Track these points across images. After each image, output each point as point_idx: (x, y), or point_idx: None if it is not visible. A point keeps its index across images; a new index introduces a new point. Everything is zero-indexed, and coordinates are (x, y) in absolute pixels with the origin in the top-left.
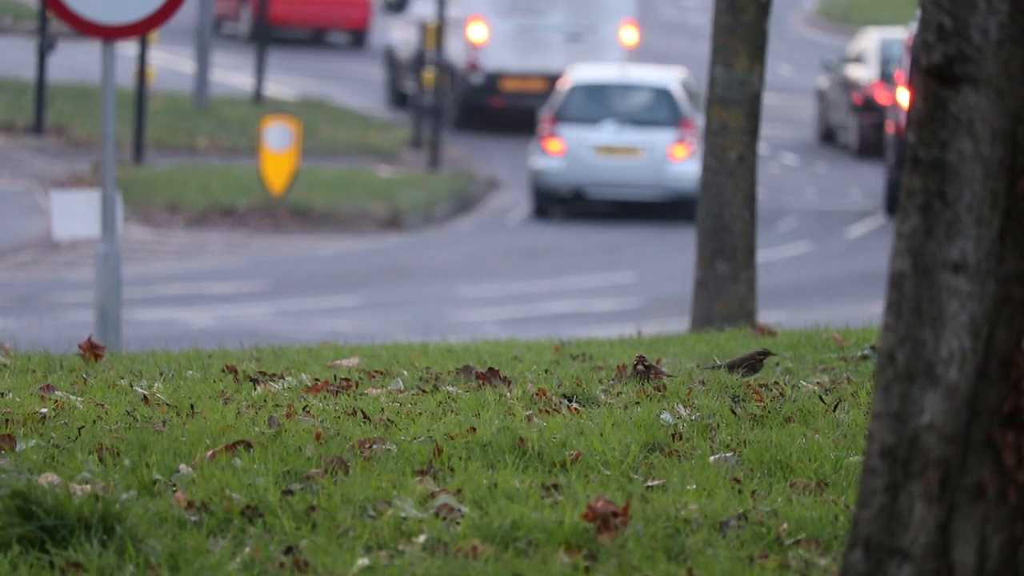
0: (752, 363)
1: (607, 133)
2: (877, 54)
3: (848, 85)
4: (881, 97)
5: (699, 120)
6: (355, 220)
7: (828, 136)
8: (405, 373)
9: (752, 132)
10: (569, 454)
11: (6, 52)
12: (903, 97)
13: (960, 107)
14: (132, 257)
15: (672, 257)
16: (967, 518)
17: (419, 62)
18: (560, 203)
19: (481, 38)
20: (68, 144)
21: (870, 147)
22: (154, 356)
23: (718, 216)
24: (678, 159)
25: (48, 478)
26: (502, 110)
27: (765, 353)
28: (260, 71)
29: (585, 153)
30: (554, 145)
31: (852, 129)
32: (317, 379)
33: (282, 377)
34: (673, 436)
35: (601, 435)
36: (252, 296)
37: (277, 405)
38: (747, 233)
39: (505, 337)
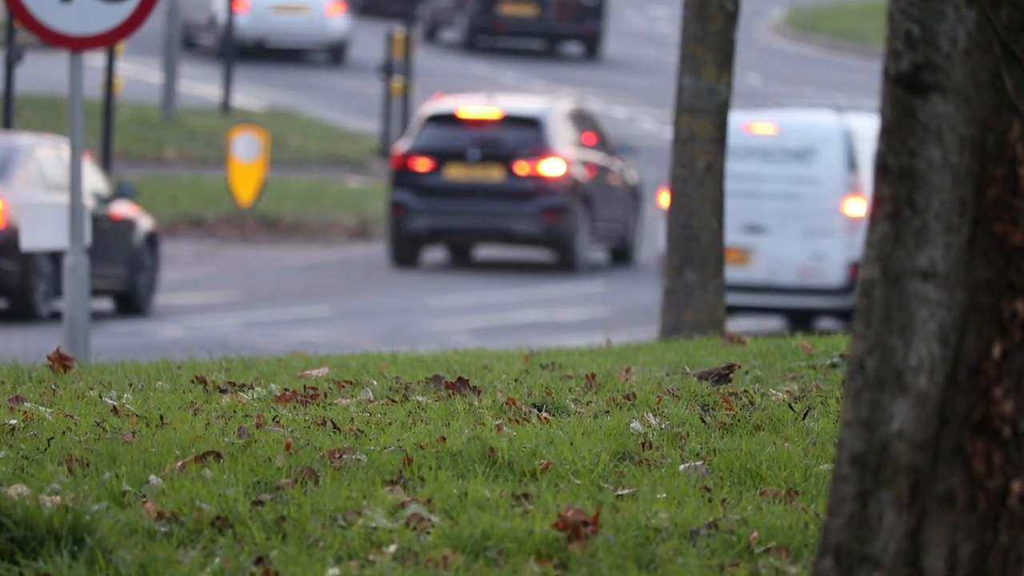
0: (720, 376)
1: None
2: None
3: None
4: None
5: None
6: (324, 230)
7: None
8: (375, 383)
9: (720, 141)
10: (539, 463)
11: None
12: None
13: (929, 115)
14: None
15: (639, 267)
16: (937, 526)
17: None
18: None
19: None
20: None
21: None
22: (123, 367)
23: (686, 225)
24: (334, 15)
25: (18, 489)
26: None
27: (732, 367)
28: (228, 82)
29: (264, 12)
30: (239, 5)
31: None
32: (287, 389)
33: (251, 387)
34: (643, 445)
35: (571, 444)
36: (221, 307)
37: (247, 415)
38: (716, 242)
39: (474, 347)
